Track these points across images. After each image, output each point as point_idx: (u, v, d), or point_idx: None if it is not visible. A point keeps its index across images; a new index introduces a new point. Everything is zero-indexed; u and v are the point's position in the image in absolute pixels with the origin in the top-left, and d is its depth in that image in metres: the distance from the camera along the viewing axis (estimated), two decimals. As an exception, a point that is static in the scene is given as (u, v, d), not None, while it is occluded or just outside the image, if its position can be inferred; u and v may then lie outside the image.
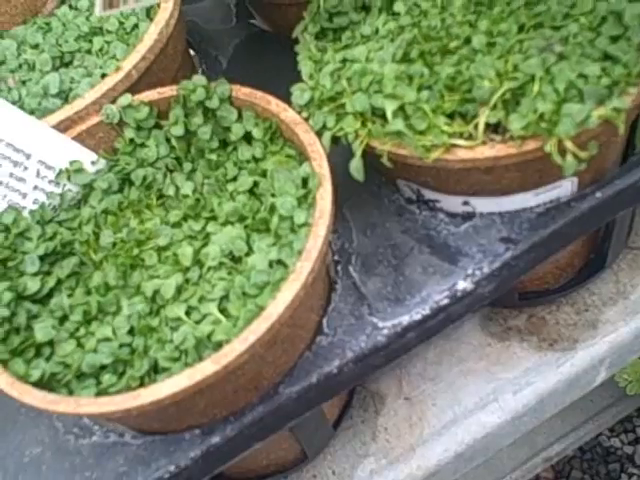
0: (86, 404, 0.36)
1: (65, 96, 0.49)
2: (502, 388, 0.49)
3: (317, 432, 0.46)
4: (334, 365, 0.40)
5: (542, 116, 0.36)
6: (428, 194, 0.43)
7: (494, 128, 0.38)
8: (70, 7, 0.56)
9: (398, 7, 0.44)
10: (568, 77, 0.36)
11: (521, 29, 0.40)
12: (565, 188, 0.42)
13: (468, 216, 0.43)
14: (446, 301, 0.41)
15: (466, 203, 0.42)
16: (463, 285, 0.41)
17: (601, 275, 0.51)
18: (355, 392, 0.50)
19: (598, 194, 0.41)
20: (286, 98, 0.43)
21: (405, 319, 0.40)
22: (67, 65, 0.51)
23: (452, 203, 0.43)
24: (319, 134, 0.40)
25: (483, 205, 0.42)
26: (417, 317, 0.40)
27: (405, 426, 0.49)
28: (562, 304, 0.51)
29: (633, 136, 0.44)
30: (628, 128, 0.43)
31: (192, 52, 0.58)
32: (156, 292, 0.39)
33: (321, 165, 0.39)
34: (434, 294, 0.41)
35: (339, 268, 0.43)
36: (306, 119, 0.41)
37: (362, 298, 0.42)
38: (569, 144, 0.35)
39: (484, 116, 0.37)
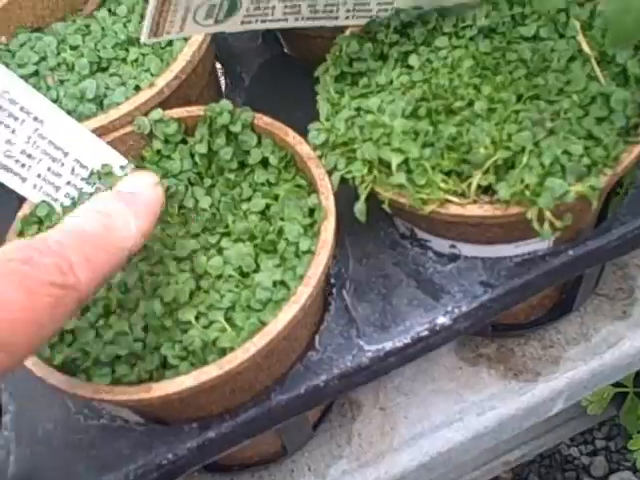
0: (103, 391, 0.40)
1: (99, 101, 0.53)
2: (468, 409, 0.54)
3: (299, 432, 0.51)
4: (321, 379, 0.45)
5: (527, 187, 0.41)
6: (420, 233, 0.48)
7: (485, 189, 0.43)
8: (109, 11, 0.60)
9: (412, 61, 0.49)
10: (554, 153, 0.41)
11: (519, 99, 0.45)
12: (542, 243, 0.47)
13: (454, 257, 0.48)
14: (426, 333, 0.46)
15: (453, 246, 0.47)
16: (442, 320, 0.46)
17: (568, 317, 0.56)
18: (336, 399, 0.55)
19: (570, 252, 0.46)
20: (299, 121, 0.48)
21: (388, 345, 0.45)
22: (103, 71, 0.55)
23: (441, 244, 0.48)
24: (329, 173, 0.45)
25: (468, 250, 0.47)
26: (399, 344, 0.45)
27: (378, 434, 0.54)
28: (530, 339, 0.56)
29: (608, 203, 0.50)
30: (604, 196, 0.48)
31: (218, 65, 0.62)
32: (172, 296, 0.44)
33: (328, 199, 0.44)
34: (416, 325, 0.46)
35: (334, 291, 0.48)
36: (319, 157, 0.46)
37: (352, 321, 0.47)
38: (548, 214, 0.40)
39: (477, 178, 0.42)
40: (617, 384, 1.04)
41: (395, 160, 0.42)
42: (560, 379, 0.55)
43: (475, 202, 0.42)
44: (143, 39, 0.45)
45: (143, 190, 0.41)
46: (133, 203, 0.40)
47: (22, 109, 0.45)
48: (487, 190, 0.43)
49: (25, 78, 0.54)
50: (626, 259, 0.59)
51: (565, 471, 1.37)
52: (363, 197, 0.43)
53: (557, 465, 1.38)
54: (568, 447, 1.39)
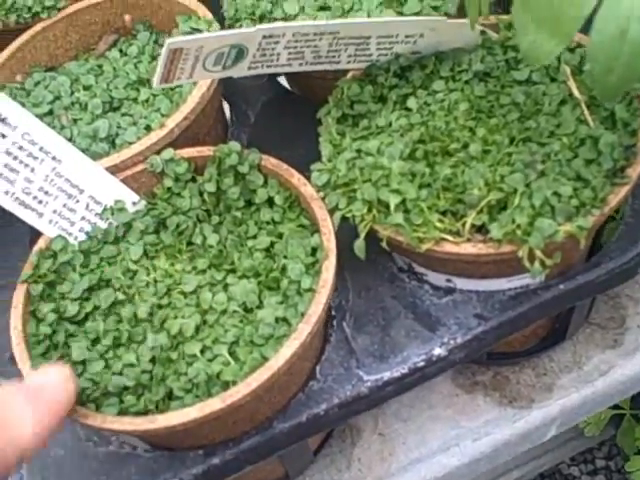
0: (111, 421, 0.43)
1: (112, 140, 0.55)
2: (464, 435, 0.56)
3: (300, 458, 0.53)
4: (322, 408, 0.47)
5: (518, 226, 0.43)
6: (418, 268, 0.50)
7: (478, 228, 0.45)
8: (120, 52, 0.63)
9: (411, 103, 0.51)
10: (544, 194, 0.43)
11: (512, 141, 0.47)
12: (534, 278, 0.49)
13: (450, 291, 0.50)
14: (422, 363, 0.48)
15: (449, 280, 0.50)
16: (438, 351, 0.48)
17: (561, 345, 0.58)
18: (337, 426, 0.57)
19: (561, 286, 0.49)
20: (302, 157, 0.50)
21: (386, 375, 0.47)
22: (115, 110, 0.58)
23: (437, 278, 0.50)
24: (331, 212, 0.47)
25: (463, 283, 0.49)
26: (396, 374, 0.47)
27: (376, 459, 0.56)
28: (524, 367, 0.58)
29: (598, 238, 0.52)
30: (594, 232, 0.51)
31: (225, 102, 0.64)
32: (178, 329, 0.46)
33: (329, 240, 0.46)
34: (413, 356, 0.48)
35: (335, 323, 0.50)
36: (322, 198, 0.48)
37: (352, 352, 0.49)
38: (538, 253, 0.43)
39: (471, 218, 0.44)
40: (614, 406, 1.05)
41: (393, 201, 0.45)
42: (553, 406, 0.56)
43: (469, 241, 0.44)
44: (155, 85, 0.47)
45: (52, 385, 0.38)
46: (36, 398, 0.36)
47: (41, 149, 0.48)
48: (481, 229, 0.45)
49: (40, 117, 0.56)
50: (617, 290, 0.61)
51: (566, 490, 1.37)
52: (363, 235, 0.46)
53: (558, 484, 1.39)
54: (568, 466, 1.40)
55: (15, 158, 0.47)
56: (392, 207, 0.45)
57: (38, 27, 0.64)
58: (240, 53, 0.48)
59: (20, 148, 0.47)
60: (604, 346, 0.58)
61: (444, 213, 0.45)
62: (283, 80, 0.67)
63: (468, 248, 0.44)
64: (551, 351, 0.59)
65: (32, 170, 0.48)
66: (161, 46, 0.62)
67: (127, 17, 0.65)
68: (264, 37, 0.47)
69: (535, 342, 0.58)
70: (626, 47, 0.32)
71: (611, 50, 0.33)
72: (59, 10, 0.64)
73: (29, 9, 0.64)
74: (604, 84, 0.33)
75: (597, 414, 1.06)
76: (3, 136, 0.46)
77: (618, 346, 0.58)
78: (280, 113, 0.64)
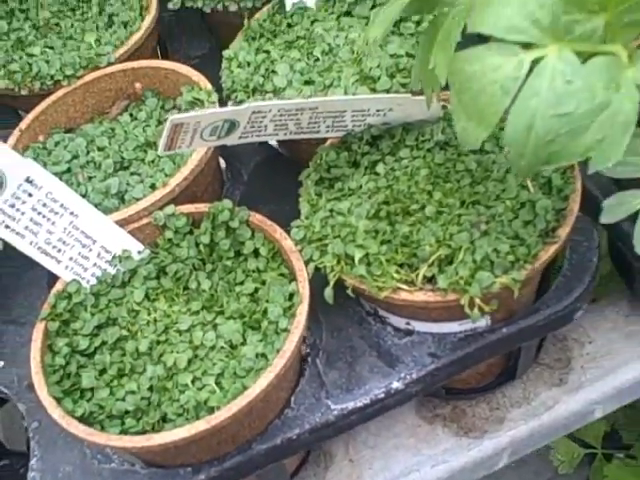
0: (114, 439, 0.50)
1: (121, 196, 0.63)
2: (424, 462, 0.63)
3: (277, 479, 0.60)
4: (295, 432, 0.54)
5: (461, 278, 0.51)
6: (381, 312, 0.58)
7: (430, 279, 0.53)
8: (131, 116, 0.71)
9: (379, 169, 0.59)
10: (485, 251, 0.51)
11: (463, 204, 0.55)
12: (482, 322, 0.56)
13: (409, 332, 0.58)
14: (382, 395, 0.55)
15: (408, 323, 0.57)
16: (396, 385, 0.55)
17: (513, 382, 0.66)
18: (312, 450, 0.64)
19: (504, 330, 0.56)
20: (287, 212, 0.59)
21: (351, 405, 0.55)
22: (125, 169, 0.66)
23: (398, 321, 0.58)
24: (306, 263, 0.55)
25: (420, 326, 0.57)
26: (360, 404, 0.55)
27: (346, 482, 0.63)
28: (480, 401, 0.65)
29: (543, 284, 0.60)
30: (539, 279, 0.58)
31: (221, 160, 0.73)
32: (173, 362, 0.54)
33: (304, 287, 0.54)
34: (375, 389, 0.55)
35: (309, 359, 0.58)
36: (300, 250, 0.56)
37: (322, 385, 0.56)
38: (477, 300, 0.50)
39: (422, 270, 0.52)
40: (587, 445, 1.11)
41: (357, 255, 0.53)
42: (504, 437, 0.63)
43: (421, 289, 0.52)
44: (159, 152, 0.56)
45: None
46: None
47: (62, 206, 0.56)
48: (431, 279, 0.53)
49: (59, 174, 0.65)
50: (565, 333, 0.68)
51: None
52: (332, 283, 0.54)
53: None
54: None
55: (39, 213, 0.56)
56: (356, 260, 0.53)
57: (60, 93, 0.73)
58: (232, 125, 0.56)
59: (44, 205, 0.56)
60: (551, 384, 0.66)
61: (401, 265, 0.53)
62: (275, 143, 0.75)
63: (420, 296, 0.52)
64: (504, 388, 0.66)
65: (53, 223, 0.56)
66: (167, 111, 0.71)
67: (137, 85, 0.74)
68: (253, 113, 0.56)
69: (489, 380, 0.66)
70: (532, 138, 0.40)
71: (520, 140, 0.41)
72: (78, 78, 0.73)
73: (51, 77, 0.73)
74: (517, 166, 0.41)
75: (570, 452, 1.12)
76: (30, 195, 0.55)
77: (563, 384, 0.65)
78: (271, 172, 0.72)
